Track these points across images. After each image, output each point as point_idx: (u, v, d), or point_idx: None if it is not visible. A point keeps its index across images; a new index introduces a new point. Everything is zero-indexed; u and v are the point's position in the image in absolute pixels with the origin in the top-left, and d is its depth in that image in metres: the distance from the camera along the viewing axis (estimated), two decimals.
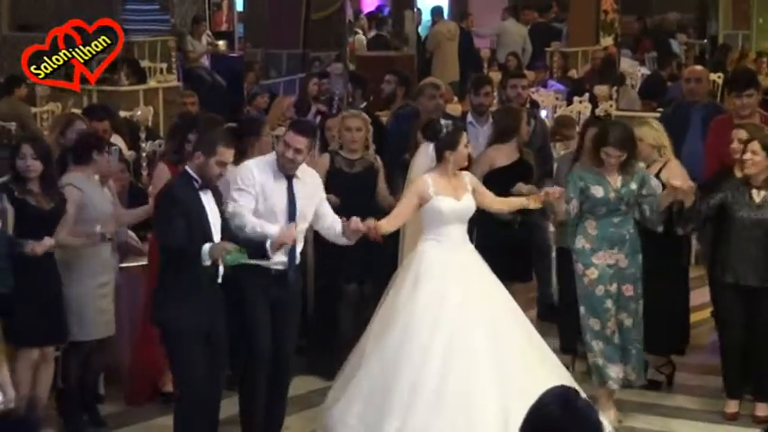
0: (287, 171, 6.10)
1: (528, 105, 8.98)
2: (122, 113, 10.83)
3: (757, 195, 6.63)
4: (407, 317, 6.05)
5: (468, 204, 6.29)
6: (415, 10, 17.48)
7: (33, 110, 12.31)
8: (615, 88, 12.86)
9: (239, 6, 16.61)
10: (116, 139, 8.09)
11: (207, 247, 5.63)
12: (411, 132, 7.73)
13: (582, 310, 6.68)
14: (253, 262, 5.75)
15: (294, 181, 6.11)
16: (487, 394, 5.88)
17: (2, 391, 5.60)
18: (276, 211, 6.07)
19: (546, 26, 17.91)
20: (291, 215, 6.08)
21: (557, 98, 13.84)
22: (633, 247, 6.67)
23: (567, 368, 7.42)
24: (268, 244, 5.90)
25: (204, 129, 6.55)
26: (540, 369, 6.01)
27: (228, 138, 6.04)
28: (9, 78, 11.93)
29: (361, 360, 6.17)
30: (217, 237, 5.81)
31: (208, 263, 5.64)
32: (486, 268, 6.32)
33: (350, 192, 7.18)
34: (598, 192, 6.61)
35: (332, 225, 6.29)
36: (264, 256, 5.90)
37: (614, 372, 6.65)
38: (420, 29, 17.73)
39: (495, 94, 9.29)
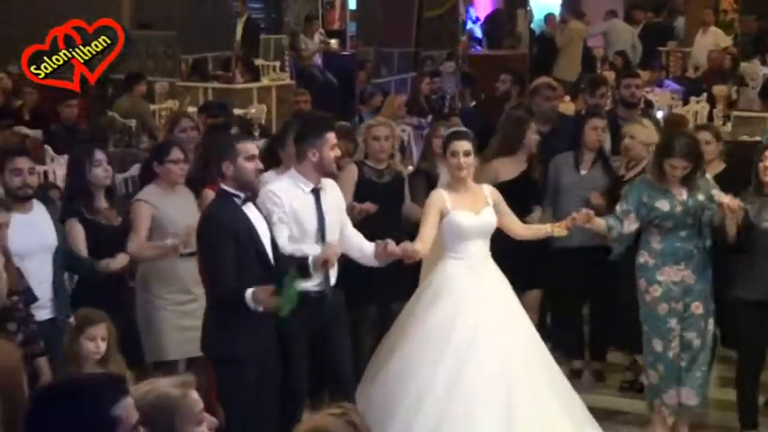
0: (332, 170, 5.92)
1: (642, 105, 8.85)
2: (236, 111, 10.97)
3: None
4: (418, 336, 5.80)
5: (487, 218, 5.98)
6: (528, 9, 17.35)
7: (152, 107, 12.52)
8: (735, 88, 12.60)
9: (352, 5, 16.73)
10: None
11: (249, 294, 5.26)
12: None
13: (645, 329, 6.30)
14: (298, 289, 5.29)
15: (321, 194, 5.84)
16: (492, 418, 5.62)
17: None
18: (307, 229, 5.78)
19: (659, 25, 17.61)
20: (321, 232, 5.79)
21: (672, 98, 13.60)
22: (702, 263, 6.26)
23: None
24: (310, 260, 5.58)
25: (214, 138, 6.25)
26: (553, 396, 5.79)
27: (240, 134, 5.72)
28: (129, 76, 12.13)
29: (374, 375, 5.96)
30: (269, 249, 5.53)
31: (260, 309, 5.28)
32: (509, 290, 5.99)
33: (381, 202, 6.83)
34: (664, 206, 6.21)
35: (358, 246, 5.94)
36: (305, 272, 5.58)
37: (669, 398, 6.28)
38: (532, 26, 17.58)
39: (609, 93, 9.17)
